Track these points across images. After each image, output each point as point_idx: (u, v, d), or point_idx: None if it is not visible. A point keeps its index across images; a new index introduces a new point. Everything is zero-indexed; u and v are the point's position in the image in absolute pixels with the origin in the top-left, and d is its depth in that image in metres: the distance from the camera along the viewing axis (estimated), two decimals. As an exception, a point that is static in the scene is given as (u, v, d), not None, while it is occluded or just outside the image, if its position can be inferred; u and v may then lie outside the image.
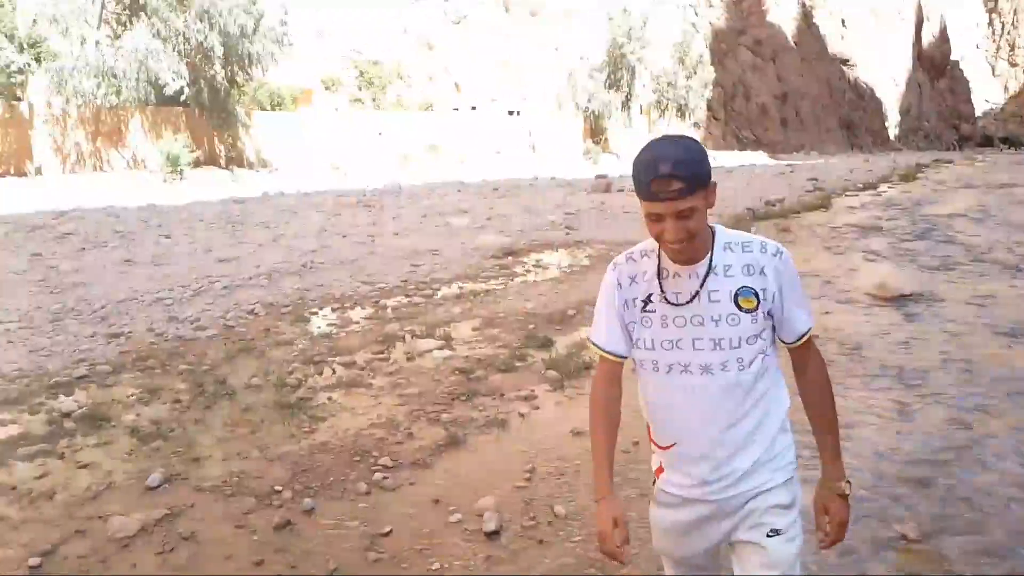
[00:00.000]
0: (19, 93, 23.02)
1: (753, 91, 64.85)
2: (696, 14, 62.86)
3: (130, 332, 6.14)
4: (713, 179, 1.57)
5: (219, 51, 24.88)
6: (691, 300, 1.62)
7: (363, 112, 37.57)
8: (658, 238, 1.57)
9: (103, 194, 16.99)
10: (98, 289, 7.71)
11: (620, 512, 1.71)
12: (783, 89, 67.11)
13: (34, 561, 2.89)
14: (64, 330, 6.22)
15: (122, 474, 3.65)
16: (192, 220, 13.02)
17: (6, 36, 22.25)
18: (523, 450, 3.88)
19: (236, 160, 27.69)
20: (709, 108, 54.87)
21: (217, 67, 25.69)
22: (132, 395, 4.75)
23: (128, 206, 14.62)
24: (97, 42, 23.33)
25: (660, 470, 1.77)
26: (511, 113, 46.15)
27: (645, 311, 1.68)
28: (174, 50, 24.17)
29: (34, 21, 23.91)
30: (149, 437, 4.06)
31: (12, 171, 22.21)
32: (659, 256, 1.67)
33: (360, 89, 44.52)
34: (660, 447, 1.74)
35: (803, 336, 1.69)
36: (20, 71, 21.44)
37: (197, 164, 24.90)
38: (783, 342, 1.72)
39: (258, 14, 25.83)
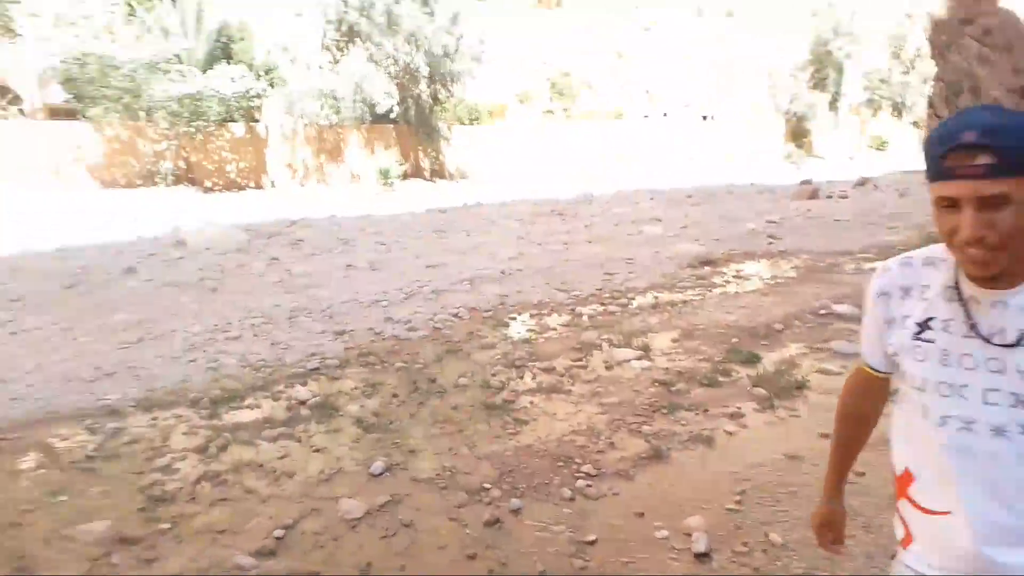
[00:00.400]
0: (256, 115, 26.11)
1: (983, 86, 58.00)
2: (912, 4, 57.42)
3: (353, 330, 6.72)
4: None
5: (424, 71, 26.58)
6: (1011, 344, 1.21)
7: (555, 123, 38.33)
8: (949, 237, 1.19)
9: (326, 205, 18.78)
10: (325, 291, 8.51)
11: (835, 517, 1.60)
12: (1020, 82, 59.31)
13: (279, 533, 3.23)
14: (299, 327, 6.94)
15: (349, 460, 3.99)
16: (403, 229, 14.00)
17: (247, 66, 25.36)
18: (732, 471, 3.73)
19: (439, 172, 29.41)
20: (930, 105, 49.65)
21: (423, 86, 27.45)
22: (356, 388, 5.18)
23: (348, 215, 16.03)
24: (320, 67, 25.86)
25: (908, 539, 1.38)
26: (704, 118, 44.84)
27: (919, 338, 1.31)
28: (385, 72, 26.17)
29: (268, 51, 27.04)
30: (371, 428, 4.41)
31: (252, 184, 25.25)
32: (955, 269, 1.28)
33: (551, 100, 45.48)
34: (922, 508, 1.34)
35: None
36: (258, 96, 24.32)
37: (405, 176, 26.78)
38: None
39: (459, 34, 27.27)
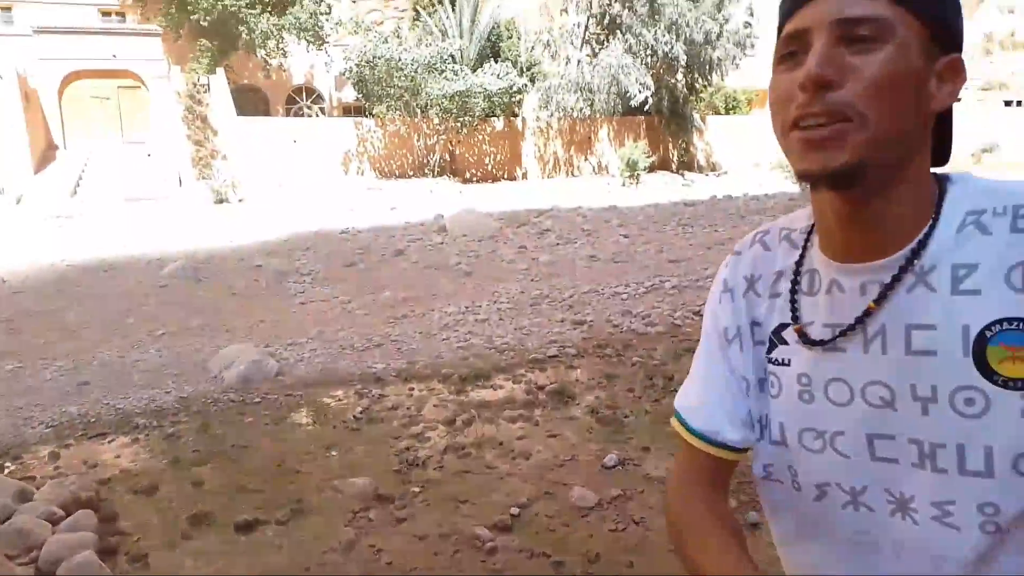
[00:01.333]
0: (516, 110, 27.47)
1: None
2: None
3: (591, 321, 6.83)
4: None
5: (683, 60, 26.01)
6: (854, 334, 0.76)
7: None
8: (782, 116, 0.73)
9: (573, 196, 19.26)
10: (567, 280, 8.75)
11: None
12: None
13: (514, 511, 3.39)
14: (540, 314, 7.22)
15: (583, 449, 4.06)
16: (647, 221, 13.91)
17: (512, 62, 26.74)
18: None
19: (687, 164, 28.71)
20: None
21: (679, 75, 26.91)
22: (592, 378, 5.27)
23: (593, 207, 16.30)
24: (579, 61, 26.46)
25: None
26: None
27: (771, 360, 0.85)
28: (641, 63, 26.06)
29: (531, 47, 28.25)
30: (605, 420, 4.45)
31: (505, 176, 26.67)
32: (807, 239, 0.84)
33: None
34: None
35: None
36: (519, 91, 25.55)
37: (652, 169, 26.54)
38: None
39: (723, 19, 26.26)
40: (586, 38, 27.15)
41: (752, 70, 27.78)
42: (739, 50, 26.83)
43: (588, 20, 26.82)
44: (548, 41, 27.23)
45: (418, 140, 25.37)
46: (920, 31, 0.71)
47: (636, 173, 25.08)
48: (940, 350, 0.71)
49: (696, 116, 28.42)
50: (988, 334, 0.69)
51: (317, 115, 29.49)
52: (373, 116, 25.42)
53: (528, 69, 27.87)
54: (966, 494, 0.71)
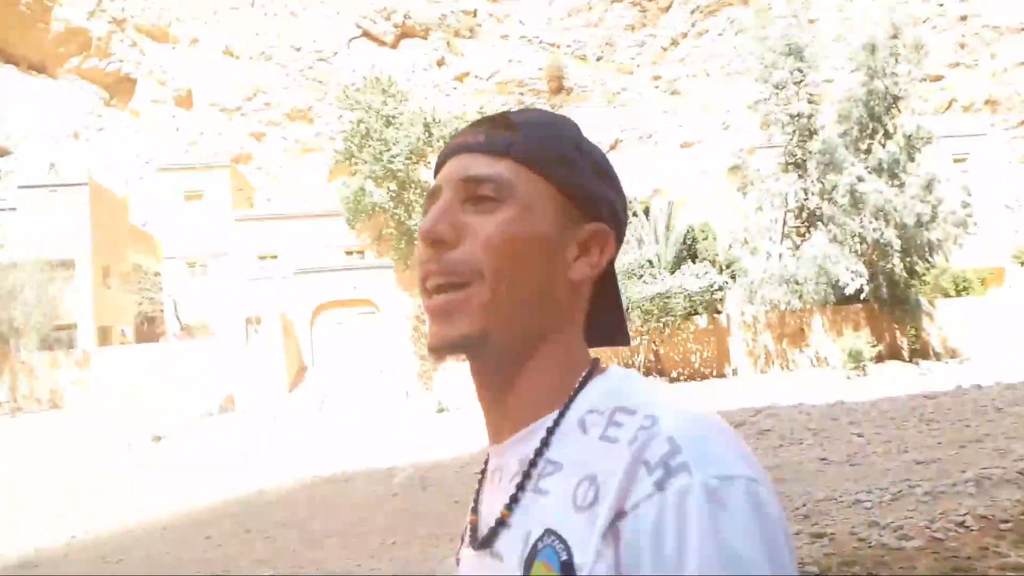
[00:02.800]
0: (719, 307, 27.36)
1: None
2: None
3: (833, 534, 6.18)
4: (603, 209, 0.74)
5: (896, 244, 24.87)
6: (483, 543, 0.69)
7: (1076, 284, 31.46)
8: (422, 272, 0.71)
9: (791, 391, 18.21)
10: (797, 486, 8.09)
11: None
12: None
13: None
14: (771, 524, 6.67)
15: None
16: (881, 417, 12.70)
17: (711, 262, 27.16)
18: None
19: (920, 352, 26.29)
20: None
21: (895, 260, 25.61)
22: (842, 602, 4.68)
23: (817, 403, 15.24)
24: (780, 255, 26.23)
25: None
26: None
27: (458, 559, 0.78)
28: (850, 251, 25.25)
29: (729, 245, 28.62)
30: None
31: (714, 373, 26.02)
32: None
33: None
34: None
35: None
36: (720, 288, 25.62)
37: (879, 359, 24.60)
38: None
39: (936, 201, 25.11)
40: (785, 232, 27.05)
41: (980, 249, 25.77)
42: (960, 229, 25.20)
43: (785, 215, 26.89)
44: (746, 239, 27.49)
45: (623, 343, 25.85)
46: (555, 196, 0.71)
47: (862, 364, 23.35)
48: (507, 555, 0.66)
49: (923, 300, 26.44)
50: (540, 546, 0.62)
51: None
52: (579, 323, 26.51)
53: (728, 267, 28.07)
54: None
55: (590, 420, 0.66)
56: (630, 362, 25.29)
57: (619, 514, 0.57)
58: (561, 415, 0.68)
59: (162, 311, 33.94)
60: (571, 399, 0.69)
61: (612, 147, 42.26)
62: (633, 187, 37.57)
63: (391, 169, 26.93)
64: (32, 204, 27.58)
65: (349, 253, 32.25)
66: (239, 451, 15.64)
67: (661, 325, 24.89)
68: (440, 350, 0.69)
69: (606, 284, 0.77)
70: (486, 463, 0.78)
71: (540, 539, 0.62)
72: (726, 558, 0.53)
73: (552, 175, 0.71)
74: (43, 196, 28.15)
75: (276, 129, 43.41)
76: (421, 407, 21.03)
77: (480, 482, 0.78)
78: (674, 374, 25.51)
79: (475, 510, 0.76)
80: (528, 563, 0.62)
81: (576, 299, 0.73)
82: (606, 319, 0.79)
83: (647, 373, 24.93)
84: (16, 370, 24.23)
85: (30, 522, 9.97)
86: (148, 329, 34.07)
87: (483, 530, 0.71)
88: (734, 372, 26.16)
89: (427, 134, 27.06)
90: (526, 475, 0.67)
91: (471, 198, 0.70)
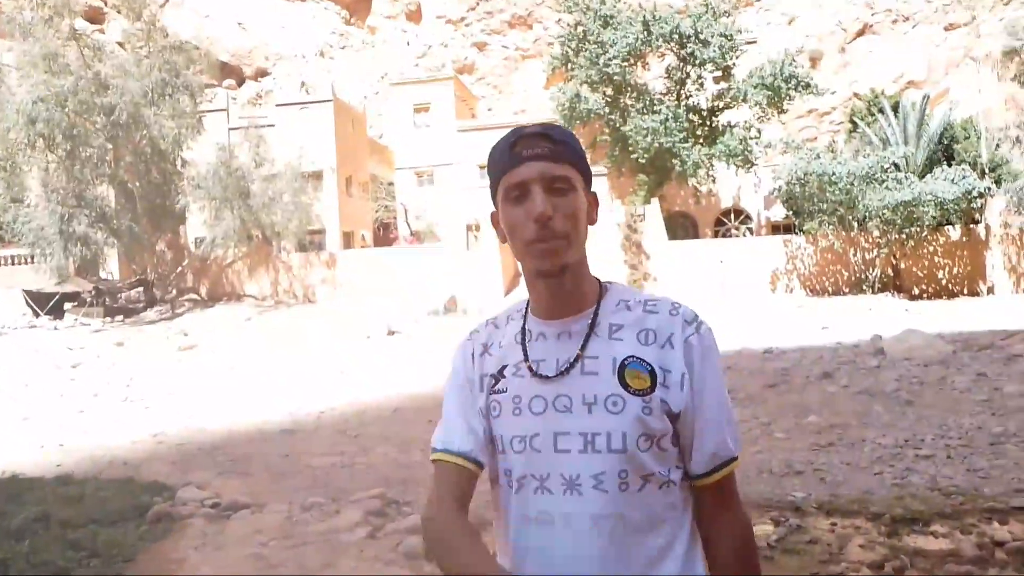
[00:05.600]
0: (976, 217, 23.92)
1: None
2: None
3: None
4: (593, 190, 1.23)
5: None
6: (563, 372, 1.17)
7: None
8: (515, 235, 1.18)
9: (1059, 315, 15.73)
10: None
11: None
12: None
13: None
14: (1003, 454, 6.02)
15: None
16: None
17: (971, 165, 23.60)
18: None
19: None
20: None
21: None
22: (1077, 545, 4.17)
23: (1088, 329, 13.07)
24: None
25: None
26: None
27: (495, 392, 1.22)
28: None
29: (997, 145, 24.62)
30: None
31: (964, 291, 23.12)
32: (525, 313, 1.27)
33: None
34: None
35: (721, 467, 1.18)
36: (980, 195, 22.27)
37: None
38: (687, 474, 1.19)
39: None
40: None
41: None
42: None
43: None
44: (1019, 137, 23.49)
45: (855, 255, 23.79)
46: (581, 180, 1.21)
47: None
48: (600, 371, 1.16)
49: None
50: (626, 363, 1.16)
51: (745, 235, 29.87)
52: (803, 233, 24.75)
53: (992, 171, 24.26)
54: (611, 466, 1.12)
55: (632, 304, 1.23)
56: (862, 277, 23.26)
57: (672, 338, 1.17)
58: (599, 304, 1.23)
59: (395, 218, 36.96)
60: (600, 298, 1.24)
61: (859, 33, 37.50)
62: (882, 79, 33.37)
63: (607, 73, 26.24)
64: (287, 120, 30.89)
65: (564, 162, 32.45)
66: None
67: (903, 237, 22.40)
68: (548, 272, 1.18)
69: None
70: (524, 331, 1.26)
71: (625, 359, 1.16)
72: (718, 356, 1.23)
73: (582, 170, 1.22)
74: (295, 113, 31.35)
75: (497, 38, 44.05)
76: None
77: (522, 341, 1.24)
78: (916, 291, 23.05)
79: (527, 357, 1.22)
80: (620, 372, 1.15)
81: (587, 235, 1.24)
82: None
83: (881, 290, 22.81)
84: (277, 268, 28.19)
85: (288, 397, 11.72)
86: (383, 234, 37.37)
87: (549, 367, 1.19)
88: (989, 290, 23.06)
89: (646, 33, 25.83)
90: (589, 334, 1.19)
91: (550, 189, 1.16)
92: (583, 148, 1.23)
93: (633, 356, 1.15)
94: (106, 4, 41.08)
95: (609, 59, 26.28)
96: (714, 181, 27.83)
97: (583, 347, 1.17)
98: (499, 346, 1.26)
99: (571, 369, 1.16)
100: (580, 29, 27.72)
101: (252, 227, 26.11)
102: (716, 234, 30.62)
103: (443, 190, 32.65)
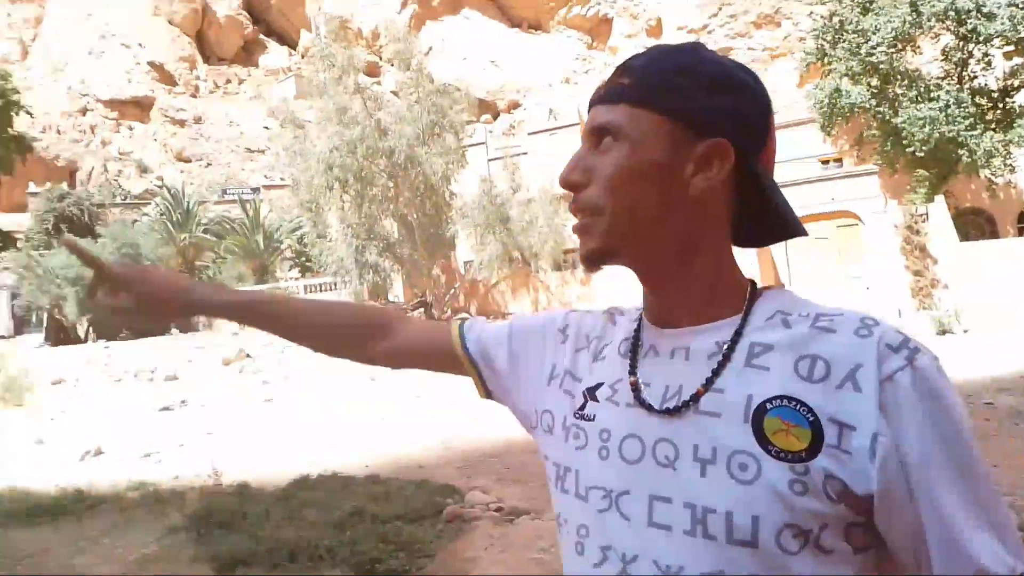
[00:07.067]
0: None
1: None
2: None
3: None
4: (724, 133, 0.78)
5: None
6: (671, 409, 0.77)
7: None
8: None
9: None
10: None
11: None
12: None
13: None
14: None
15: None
16: None
17: None
18: None
19: None
20: None
21: None
22: None
23: None
24: None
25: None
26: None
27: (581, 415, 0.86)
28: None
29: None
30: None
31: None
32: (640, 316, 0.89)
33: None
34: None
35: None
36: None
37: None
38: None
39: None
40: None
41: None
42: None
43: None
44: None
45: None
46: (664, 124, 0.78)
47: None
48: (724, 412, 0.74)
49: None
50: (769, 406, 0.73)
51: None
52: None
53: None
54: (732, 566, 0.71)
55: (792, 320, 0.78)
56: None
57: (858, 377, 0.70)
58: (747, 314, 0.80)
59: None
60: (749, 306, 0.81)
61: None
62: None
63: (871, 62, 23.90)
64: (538, 147, 32.61)
65: (825, 162, 30.19)
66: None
67: None
68: (582, 260, 0.85)
69: (754, 187, 0.81)
70: (637, 337, 0.88)
71: (767, 401, 0.73)
72: (959, 407, 0.70)
73: (659, 107, 0.79)
74: (545, 139, 33.03)
75: (742, 40, 42.44)
76: (916, 326, 18.97)
77: (633, 352, 0.87)
78: None
79: (632, 373, 0.85)
80: (758, 419, 0.73)
81: (704, 211, 0.81)
82: (769, 220, 0.83)
83: None
84: (537, 288, 29.88)
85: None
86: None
87: (654, 396, 0.81)
88: None
89: (914, 14, 23.14)
90: (726, 356, 0.78)
91: (596, 145, 0.83)
92: (684, 72, 0.79)
93: (783, 397, 0.73)
94: (380, 59, 46.68)
95: (872, 47, 23.99)
96: (1012, 171, 24.01)
97: (711, 375, 0.77)
98: (599, 350, 0.92)
99: (684, 406, 0.77)
100: (836, 19, 25.71)
101: (512, 250, 27.82)
102: (1021, 232, 26.32)
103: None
